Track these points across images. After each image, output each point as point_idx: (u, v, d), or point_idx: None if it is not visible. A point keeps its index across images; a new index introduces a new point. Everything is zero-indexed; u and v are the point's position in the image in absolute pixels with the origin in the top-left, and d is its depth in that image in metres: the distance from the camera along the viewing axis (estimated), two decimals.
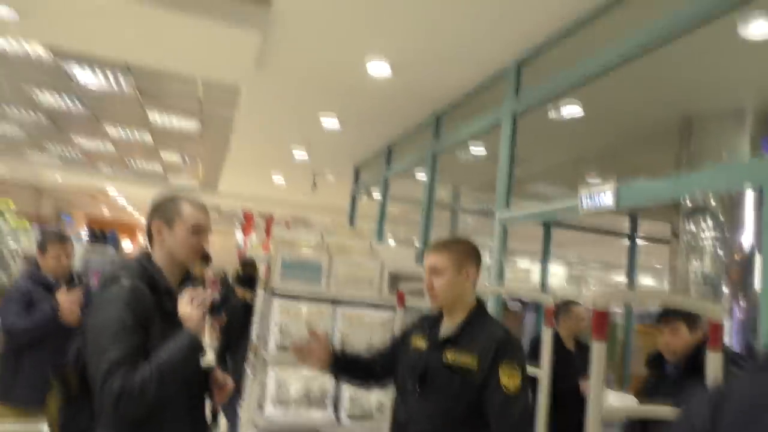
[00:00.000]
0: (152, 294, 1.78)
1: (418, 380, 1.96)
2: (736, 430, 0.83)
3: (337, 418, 4.07)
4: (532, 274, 18.50)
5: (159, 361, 1.69)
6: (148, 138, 9.59)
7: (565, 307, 3.78)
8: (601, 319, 1.87)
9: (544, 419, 2.77)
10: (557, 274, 22.62)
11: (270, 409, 3.93)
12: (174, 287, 1.87)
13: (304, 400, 3.98)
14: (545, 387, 2.79)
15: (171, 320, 1.79)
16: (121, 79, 6.67)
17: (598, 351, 1.85)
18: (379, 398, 4.01)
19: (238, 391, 5.13)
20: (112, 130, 9.39)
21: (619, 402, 3.35)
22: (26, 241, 6.16)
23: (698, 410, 0.89)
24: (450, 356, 1.92)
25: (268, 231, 16.04)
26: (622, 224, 8.18)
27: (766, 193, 2.15)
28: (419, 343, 2.07)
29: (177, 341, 1.75)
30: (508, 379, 1.81)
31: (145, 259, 1.88)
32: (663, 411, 2.65)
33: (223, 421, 5.67)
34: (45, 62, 6.25)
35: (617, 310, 9.45)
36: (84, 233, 13.31)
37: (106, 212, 22.43)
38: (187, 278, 1.95)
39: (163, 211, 1.89)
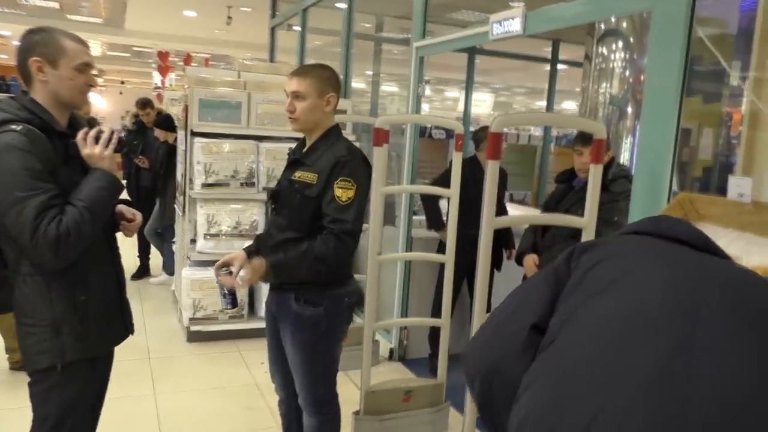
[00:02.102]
0: (48, 138, 1.68)
1: (272, 198, 2.27)
2: (583, 273, 0.88)
3: None
4: (460, 103, 18.72)
5: (84, 202, 1.68)
6: None
7: (483, 132, 3.95)
8: (496, 140, 2.04)
9: (453, 229, 3.07)
10: (485, 101, 22.98)
11: (201, 243, 4.12)
12: (65, 130, 1.77)
13: (235, 231, 4.17)
14: (455, 204, 3.04)
15: (72, 165, 1.74)
16: None
17: (491, 168, 2.05)
18: None
19: (171, 231, 5.30)
20: None
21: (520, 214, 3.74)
22: None
23: (561, 257, 0.96)
24: (297, 174, 2.16)
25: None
26: (546, 50, 8.26)
27: (654, 17, 2.25)
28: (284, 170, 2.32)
29: (94, 181, 1.73)
30: (342, 192, 2.07)
31: (29, 101, 1.72)
32: (542, 218, 2.97)
33: (159, 260, 5.86)
34: None
35: (536, 133, 9.89)
36: None
37: (4, 58, 20.58)
38: (74, 121, 1.85)
39: (43, 48, 1.72)
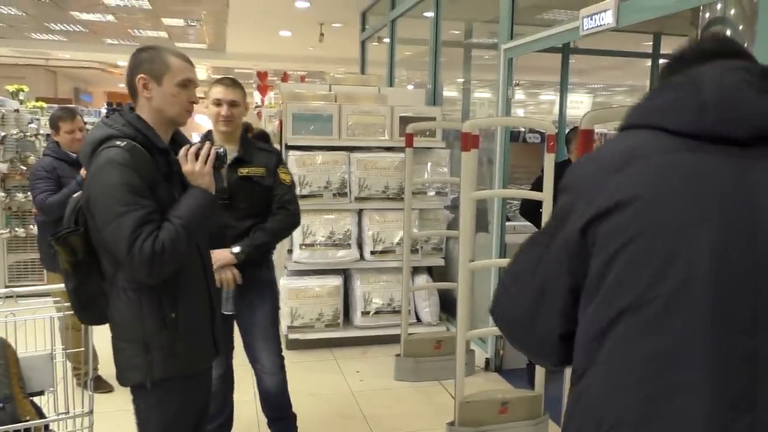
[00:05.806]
0: (149, 154, 1.70)
1: (225, 193, 2.45)
2: (606, 264, 0.80)
3: (361, 255, 4.37)
4: (556, 106, 18.15)
5: (181, 219, 1.68)
6: (146, 4, 9.32)
7: (574, 132, 3.80)
8: (586, 138, 1.95)
9: None
10: (583, 102, 22.10)
11: (298, 253, 4.24)
12: (167, 146, 1.78)
13: (329, 241, 4.26)
14: (547, 209, 2.94)
15: (173, 181, 1.76)
16: None
17: None
18: (400, 234, 4.27)
19: None
20: (108, 0, 9.15)
21: None
22: (45, 122, 6.32)
23: (571, 226, 0.89)
24: (244, 171, 2.57)
25: None
26: (646, 44, 7.86)
27: (762, 1, 2.08)
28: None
29: (192, 199, 1.73)
30: (285, 176, 2.68)
31: (134, 117, 1.74)
32: None
33: None
34: None
35: None
36: (104, 109, 13.45)
37: (122, 87, 22.34)
38: (178, 138, 1.87)
39: (149, 65, 1.75)
